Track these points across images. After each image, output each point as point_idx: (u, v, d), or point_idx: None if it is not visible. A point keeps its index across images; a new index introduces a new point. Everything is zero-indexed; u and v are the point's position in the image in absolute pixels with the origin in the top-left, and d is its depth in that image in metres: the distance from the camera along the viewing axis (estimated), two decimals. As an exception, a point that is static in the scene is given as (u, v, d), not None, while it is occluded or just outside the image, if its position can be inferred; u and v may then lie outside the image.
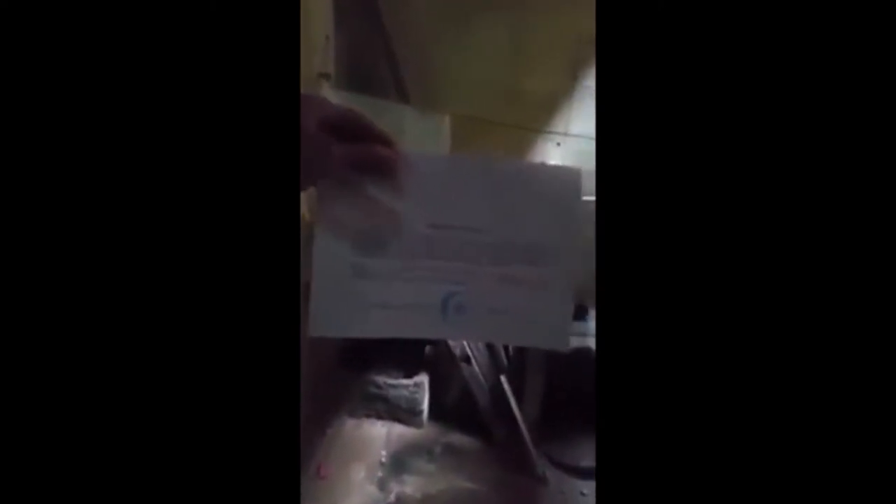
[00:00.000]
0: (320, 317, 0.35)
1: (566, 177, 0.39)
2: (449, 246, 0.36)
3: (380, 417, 1.99)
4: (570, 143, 2.03)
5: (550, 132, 2.04)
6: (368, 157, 0.33)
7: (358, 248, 0.35)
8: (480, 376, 1.88)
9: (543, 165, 0.39)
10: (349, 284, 0.35)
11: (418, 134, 1.70)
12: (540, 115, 2.04)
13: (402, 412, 1.98)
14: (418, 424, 1.98)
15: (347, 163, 0.33)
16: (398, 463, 1.79)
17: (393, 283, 0.36)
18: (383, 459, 1.80)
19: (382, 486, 1.68)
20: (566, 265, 0.38)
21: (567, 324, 0.40)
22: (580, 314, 2.05)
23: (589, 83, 1.97)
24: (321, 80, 1.42)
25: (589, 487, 1.74)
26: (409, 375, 1.98)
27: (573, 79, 1.98)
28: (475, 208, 0.37)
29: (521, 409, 1.86)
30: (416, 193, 0.35)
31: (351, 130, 0.33)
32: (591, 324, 2.00)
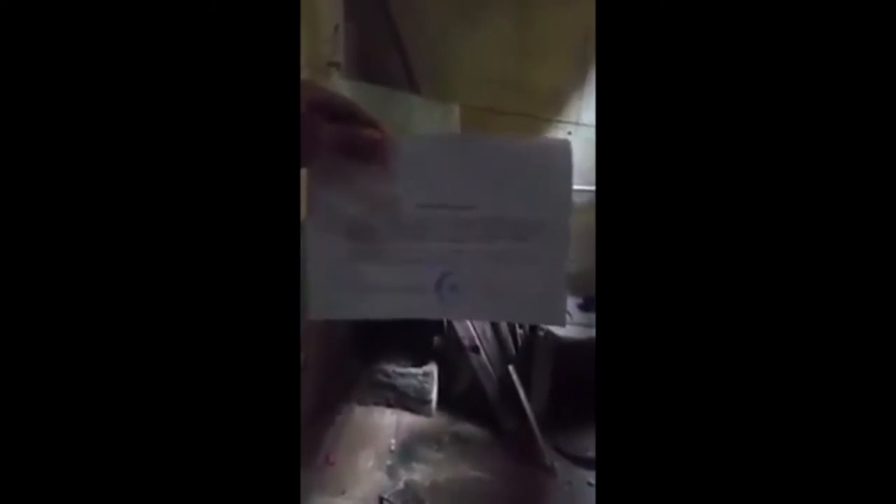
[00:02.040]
0: (318, 300, 0.35)
1: (555, 149, 0.37)
2: (440, 226, 0.36)
3: (389, 406, 2.01)
4: (582, 132, 2.02)
5: (561, 121, 2.02)
6: (357, 139, 0.34)
7: (350, 231, 0.36)
8: (489, 366, 1.89)
9: (532, 139, 0.39)
10: (344, 267, 0.36)
11: (428, 123, 1.70)
12: (550, 104, 2.03)
13: (411, 401, 2.00)
14: (427, 413, 2.00)
15: (337, 144, 0.33)
16: (407, 451, 1.81)
17: (387, 266, 0.36)
18: (392, 447, 1.82)
19: (391, 473, 1.70)
20: (556, 240, 0.37)
21: (561, 300, 0.39)
22: (589, 305, 2.05)
23: (600, 72, 1.95)
24: (331, 69, 1.42)
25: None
26: (418, 364, 2.00)
27: (583, 69, 1.96)
28: (464, 186, 0.36)
29: (529, 399, 1.87)
30: (404, 175, 0.35)
31: (340, 114, 0.33)
32: (601, 315, 1.99)
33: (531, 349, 1.95)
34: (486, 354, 1.88)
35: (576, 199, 0.39)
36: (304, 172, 0.34)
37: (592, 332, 1.89)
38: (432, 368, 1.99)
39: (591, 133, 1.97)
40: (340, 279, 0.36)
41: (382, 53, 1.79)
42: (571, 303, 2.04)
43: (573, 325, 1.92)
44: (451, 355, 1.99)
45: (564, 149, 0.37)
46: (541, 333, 1.87)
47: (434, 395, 2.01)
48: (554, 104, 2.03)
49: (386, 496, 1.60)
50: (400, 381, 1.99)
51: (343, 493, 1.60)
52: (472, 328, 1.84)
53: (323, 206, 0.35)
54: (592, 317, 1.99)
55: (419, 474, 1.71)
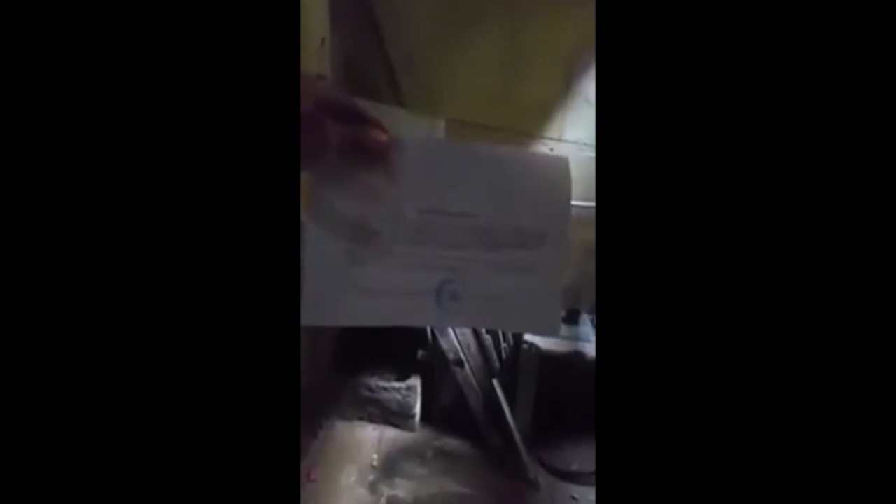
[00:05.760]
0: (313, 305, 0.34)
1: (555, 164, 0.39)
2: (442, 232, 0.36)
3: (371, 420, 1.99)
4: (564, 148, 2.05)
5: (544, 137, 2.06)
6: (362, 140, 0.33)
7: (351, 235, 0.35)
8: (473, 380, 1.89)
9: (533, 153, 0.39)
10: (342, 272, 0.35)
11: (413, 137, 1.70)
12: (534, 120, 2.07)
13: (394, 415, 1.98)
14: (410, 428, 1.98)
15: (344, 144, 0.32)
16: (389, 466, 1.79)
17: (386, 271, 0.35)
18: (374, 463, 1.79)
19: (373, 489, 1.68)
20: (555, 249, 0.38)
21: (556, 310, 0.40)
22: (572, 318, 2.06)
23: (583, 91, 1.99)
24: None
25: (579, 492, 1.75)
26: (401, 378, 1.99)
27: (567, 86, 2.01)
28: (466, 193, 0.36)
29: (513, 412, 1.87)
30: (408, 179, 0.35)
31: (345, 114, 0.32)
32: (584, 328, 2.01)
33: (515, 362, 1.95)
34: (471, 368, 1.88)
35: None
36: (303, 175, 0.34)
37: (576, 346, 1.90)
38: (416, 382, 1.98)
39: (573, 149, 2.01)
40: (337, 284, 0.35)
41: (368, 67, 1.81)
42: (555, 316, 2.05)
43: (556, 338, 1.93)
44: (435, 369, 1.98)
45: (563, 164, 0.39)
46: (525, 346, 1.88)
47: (417, 410, 1.99)
48: (538, 120, 2.07)
49: (368, 513, 1.57)
50: (383, 396, 1.97)
51: (324, 510, 1.57)
52: (456, 341, 1.84)
53: (324, 207, 0.34)
54: (576, 330, 2.01)
55: (402, 490, 1.69)
